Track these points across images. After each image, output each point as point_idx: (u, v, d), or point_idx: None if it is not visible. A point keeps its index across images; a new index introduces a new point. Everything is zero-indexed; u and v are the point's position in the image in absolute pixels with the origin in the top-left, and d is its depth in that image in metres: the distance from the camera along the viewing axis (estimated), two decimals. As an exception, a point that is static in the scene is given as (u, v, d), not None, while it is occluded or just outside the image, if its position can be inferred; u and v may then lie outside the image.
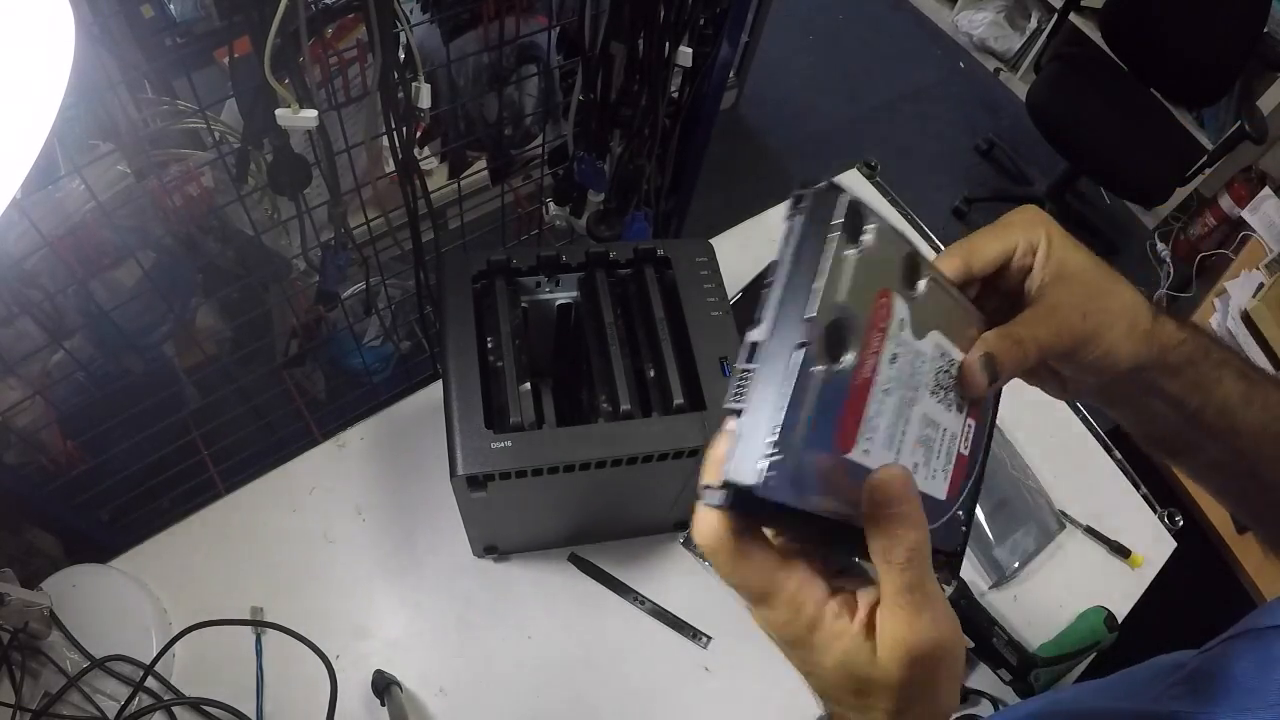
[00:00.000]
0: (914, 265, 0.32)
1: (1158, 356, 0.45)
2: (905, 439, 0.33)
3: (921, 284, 0.33)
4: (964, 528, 0.40)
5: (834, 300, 0.29)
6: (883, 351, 0.32)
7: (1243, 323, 1.89)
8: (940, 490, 0.37)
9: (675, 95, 1.22)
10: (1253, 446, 0.49)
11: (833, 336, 0.30)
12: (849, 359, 0.30)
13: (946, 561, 0.40)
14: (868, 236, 0.30)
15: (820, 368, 0.29)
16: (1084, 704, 0.54)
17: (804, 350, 0.29)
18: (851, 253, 0.29)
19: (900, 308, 0.32)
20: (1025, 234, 0.44)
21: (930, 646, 0.32)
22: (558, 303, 0.87)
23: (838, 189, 0.29)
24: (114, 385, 1.09)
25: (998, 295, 0.46)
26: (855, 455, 0.32)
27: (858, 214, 0.29)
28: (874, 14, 3.23)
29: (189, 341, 1.21)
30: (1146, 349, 0.45)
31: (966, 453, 0.38)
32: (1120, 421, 0.53)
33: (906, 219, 1.32)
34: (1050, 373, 0.48)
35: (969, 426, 0.38)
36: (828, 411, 0.30)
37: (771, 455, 0.28)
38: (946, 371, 0.35)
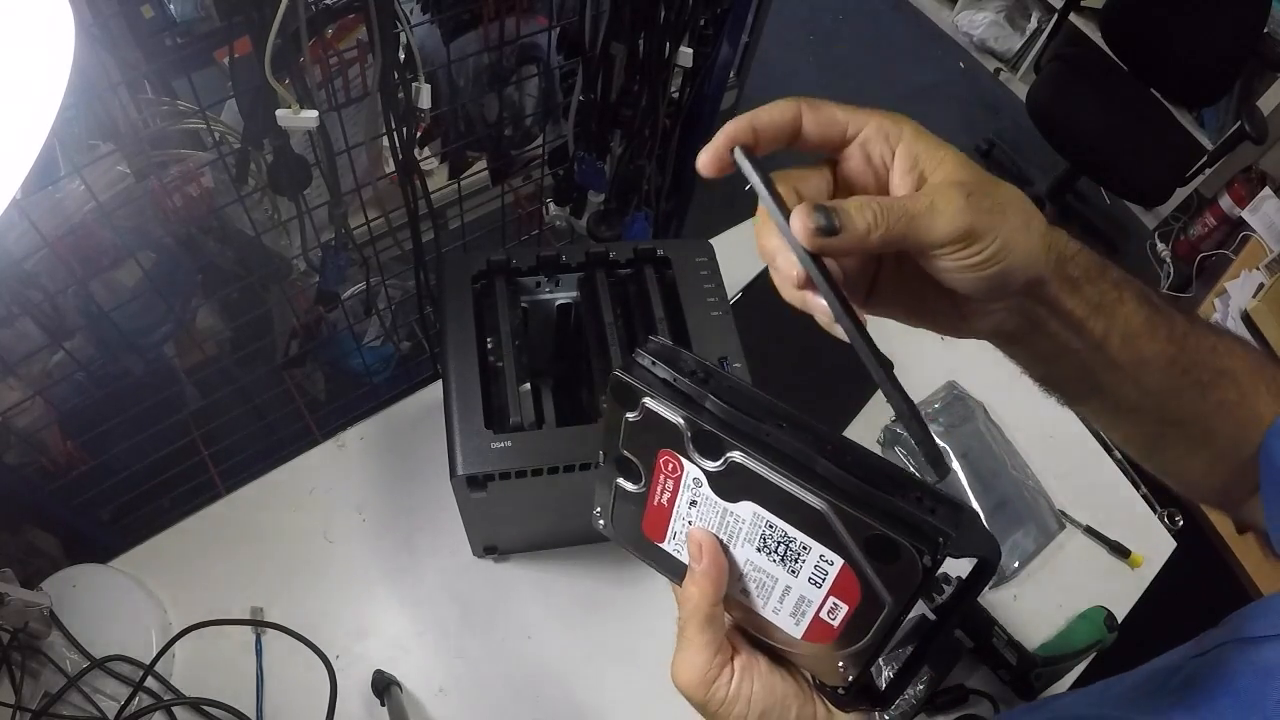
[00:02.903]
0: (712, 442, 0.39)
1: (1056, 267, 0.41)
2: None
3: (723, 459, 0.39)
4: (849, 678, 0.41)
5: (616, 446, 0.42)
6: (678, 493, 0.41)
7: (1243, 323, 1.90)
8: (791, 629, 0.42)
9: (675, 95, 1.22)
10: (1160, 381, 0.45)
11: (623, 467, 0.43)
12: (639, 485, 0.43)
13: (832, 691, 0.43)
14: (645, 405, 0.39)
15: (620, 481, 0.44)
16: (1082, 713, 0.54)
17: (600, 468, 0.44)
18: (629, 416, 0.40)
19: (690, 468, 0.40)
20: (877, 121, 0.39)
21: (677, 682, 0.43)
22: (558, 303, 0.87)
23: (618, 378, 0.40)
24: (114, 385, 1.09)
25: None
26: (668, 547, 0.44)
27: (627, 391, 0.40)
28: (874, 14, 3.23)
29: (189, 342, 1.21)
30: (1044, 253, 0.39)
31: (836, 625, 0.40)
32: (1018, 360, 0.48)
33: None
34: (936, 294, 0.41)
35: (836, 605, 0.39)
36: (633, 508, 0.44)
37: (596, 513, 0.46)
38: (782, 542, 0.39)
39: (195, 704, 0.81)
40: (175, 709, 0.81)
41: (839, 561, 0.38)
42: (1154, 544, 1.08)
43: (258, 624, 0.86)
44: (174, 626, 0.85)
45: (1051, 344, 0.44)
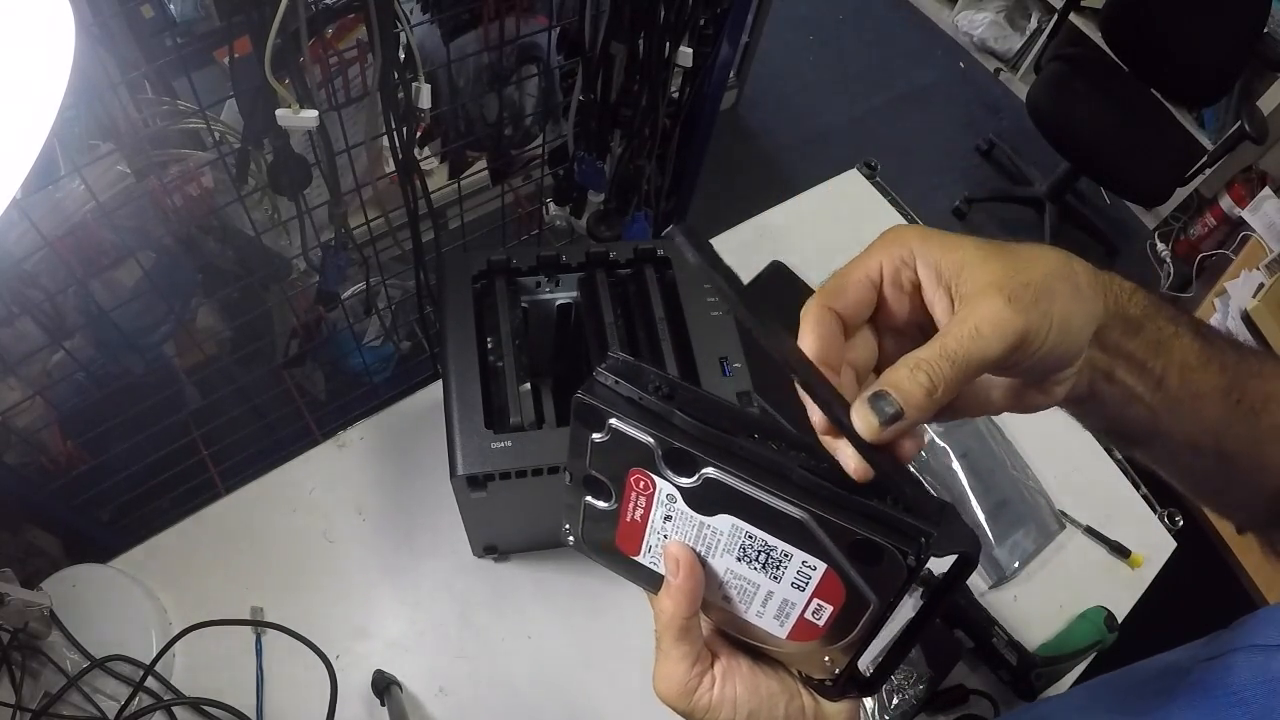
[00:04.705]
0: (684, 459, 0.38)
1: (1116, 311, 0.40)
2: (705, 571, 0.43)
3: (697, 475, 0.38)
4: (835, 670, 0.42)
5: (583, 466, 0.41)
6: (651, 509, 0.41)
7: (1243, 323, 1.90)
8: (774, 630, 0.42)
9: (675, 95, 1.22)
10: (1216, 413, 0.44)
11: (591, 486, 0.42)
12: (609, 503, 0.42)
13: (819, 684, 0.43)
14: (611, 426, 0.38)
15: (589, 500, 0.43)
16: (1084, 713, 0.53)
17: (567, 487, 0.43)
18: (595, 438, 0.39)
19: (663, 485, 0.39)
20: (885, 251, 0.39)
21: (659, 693, 0.43)
22: (558, 303, 0.87)
23: (580, 400, 0.39)
24: (114, 385, 1.09)
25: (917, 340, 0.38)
26: (644, 560, 0.44)
27: (591, 413, 0.39)
28: (874, 14, 3.23)
29: (189, 342, 1.21)
30: (1102, 306, 0.39)
31: (821, 624, 0.40)
32: (1086, 420, 0.47)
33: (907, 219, 1.32)
34: (1005, 384, 0.42)
35: (821, 607, 0.39)
36: (605, 524, 0.43)
37: (565, 529, 0.45)
38: (762, 551, 0.39)
39: (195, 704, 0.81)
40: (175, 709, 0.81)
41: (822, 566, 0.38)
42: (1154, 544, 1.08)
43: (258, 624, 0.86)
44: (174, 626, 0.85)
45: (1119, 393, 0.43)
